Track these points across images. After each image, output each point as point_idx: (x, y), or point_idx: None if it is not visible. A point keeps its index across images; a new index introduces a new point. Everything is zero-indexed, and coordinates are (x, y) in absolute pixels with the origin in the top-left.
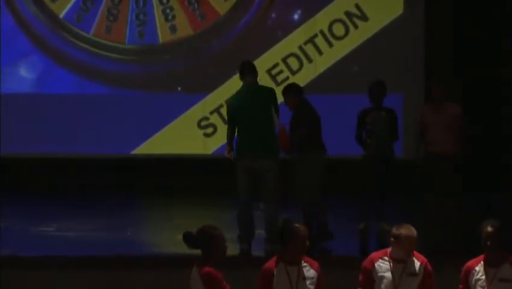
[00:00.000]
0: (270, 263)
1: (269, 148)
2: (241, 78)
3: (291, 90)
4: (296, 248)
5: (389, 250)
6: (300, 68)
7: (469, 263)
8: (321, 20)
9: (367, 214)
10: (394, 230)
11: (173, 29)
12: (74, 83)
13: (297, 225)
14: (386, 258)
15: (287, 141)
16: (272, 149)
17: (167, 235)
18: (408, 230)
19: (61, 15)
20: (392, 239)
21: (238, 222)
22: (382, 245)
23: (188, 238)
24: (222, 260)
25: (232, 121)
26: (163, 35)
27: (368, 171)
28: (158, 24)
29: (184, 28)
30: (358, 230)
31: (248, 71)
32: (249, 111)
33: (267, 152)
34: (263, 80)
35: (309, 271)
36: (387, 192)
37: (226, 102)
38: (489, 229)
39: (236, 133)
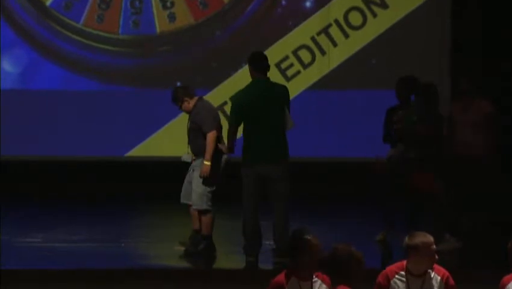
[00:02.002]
0: (280, 277)
1: (281, 154)
2: (251, 72)
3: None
4: (307, 262)
5: (406, 262)
6: (312, 62)
7: (505, 278)
8: (336, 7)
9: (392, 223)
10: (407, 241)
11: (171, 17)
12: (62, 78)
13: (308, 236)
14: (403, 273)
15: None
16: (284, 155)
17: (164, 246)
18: (424, 238)
19: (48, 3)
20: (409, 250)
21: (243, 232)
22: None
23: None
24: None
25: (235, 121)
26: (161, 24)
27: (397, 173)
28: (155, 12)
29: (184, 17)
30: (377, 241)
31: (259, 64)
32: (259, 111)
33: (279, 157)
34: (271, 75)
35: (322, 287)
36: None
37: (232, 98)
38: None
39: (242, 135)
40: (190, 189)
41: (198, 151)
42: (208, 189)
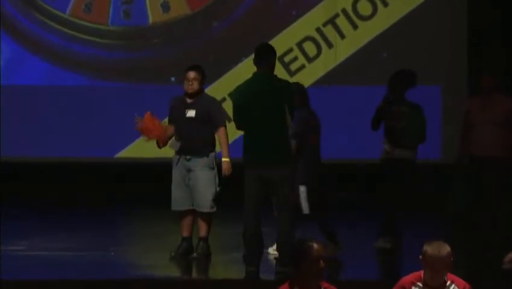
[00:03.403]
0: (283, 288)
1: (282, 155)
2: (256, 65)
3: None
4: (308, 271)
5: (423, 273)
6: (318, 55)
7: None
8: None
9: (392, 229)
10: (424, 247)
11: (165, 7)
12: (47, 73)
13: (310, 243)
14: (420, 284)
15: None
16: (286, 156)
17: (157, 255)
18: (434, 248)
19: None
20: (423, 260)
21: (244, 239)
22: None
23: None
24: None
25: (238, 120)
26: (154, 14)
27: (387, 176)
28: (147, 1)
29: (179, 6)
30: (376, 248)
31: (261, 57)
32: (257, 109)
33: (280, 159)
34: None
35: None
36: (400, 203)
37: (230, 95)
38: None
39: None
40: (189, 193)
41: (200, 147)
42: (214, 190)
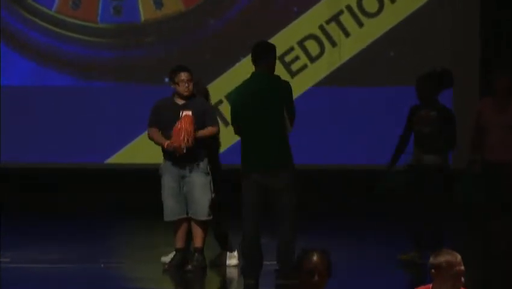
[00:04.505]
0: None
1: (281, 161)
2: (254, 64)
3: None
4: (312, 283)
5: (431, 285)
6: (321, 54)
7: None
8: None
9: (418, 241)
10: (432, 260)
11: (158, 4)
12: (33, 72)
13: (314, 253)
14: None
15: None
16: (286, 162)
17: (150, 267)
18: (449, 257)
19: None
20: (432, 271)
21: (242, 251)
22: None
23: None
24: None
25: (236, 123)
26: (146, 11)
27: (415, 184)
28: None
29: (173, 3)
30: (402, 260)
31: (259, 56)
32: (254, 111)
33: (279, 165)
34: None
35: None
36: (435, 214)
37: (228, 97)
38: None
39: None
40: (183, 201)
41: (196, 151)
42: (210, 196)
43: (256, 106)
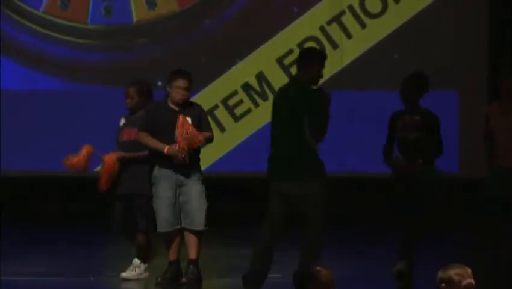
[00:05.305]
0: None
1: (302, 168)
2: (297, 69)
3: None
4: None
5: None
6: None
7: None
8: None
9: (409, 252)
10: (441, 274)
11: (151, 4)
12: (20, 75)
13: (317, 268)
14: None
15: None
16: (307, 171)
17: (142, 282)
18: (459, 270)
19: None
20: (442, 285)
21: (252, 259)
22: None
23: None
24: None
25: (272, 123)
26: (138, 12)
27: (399, 195)
28: None
29: (166, 3)
30: (393, 273)
31: (302, 62)
32: (281, 116)
33: (299, 173)
34: (272, 72)
35: None
36: (419, 227)
37: None
38: None
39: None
40: (177, 212)
41: (193, 158)
42: (206, 205)
43: (282, 110)
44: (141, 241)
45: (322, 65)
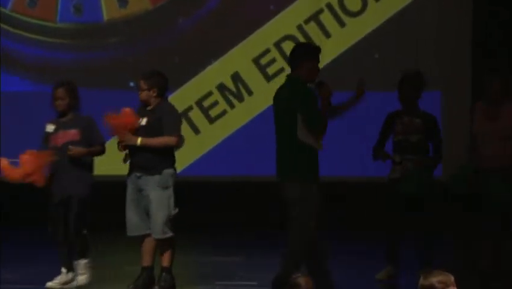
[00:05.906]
0: None
1: (288, 170)
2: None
3: None
4: None
5: None
6: None
7: None
8: None
9: (395, 258)
10: (422, 281)
11: (123, 2)
12: None
13: (297, 277)
14: None
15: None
16: (293, 173)
17: None
18: (442, 277)
19: None
20: None
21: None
22: None
23: None
24: None
25: None
26: (109, 10)
27: (396, 200)
28: None
29: (139, 1)
30: (377, 280)
31: (294, 59)
32: (276, 117)
33: (285, 175)
34: (248, 72)
35: None
36: (427, 232)
37: None
38: None
39: None
40: (145, 216)
41: (151, 162)
42: (172, 212)
43: (276, 111)
44: (76, 242)
45: (317, 61)
